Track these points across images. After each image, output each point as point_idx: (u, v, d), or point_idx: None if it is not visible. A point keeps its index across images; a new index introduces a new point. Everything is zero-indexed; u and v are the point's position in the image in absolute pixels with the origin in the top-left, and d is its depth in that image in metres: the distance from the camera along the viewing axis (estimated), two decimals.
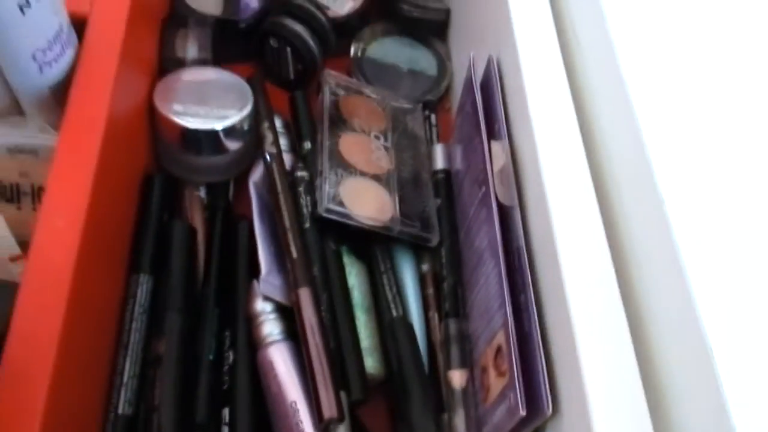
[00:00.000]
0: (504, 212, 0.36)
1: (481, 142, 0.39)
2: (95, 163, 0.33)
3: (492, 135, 0.39)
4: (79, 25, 0.36)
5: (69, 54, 0.35)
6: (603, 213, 0.33)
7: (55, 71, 0.34)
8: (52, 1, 0.32)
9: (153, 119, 0.43)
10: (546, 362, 0.30)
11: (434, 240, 0.43)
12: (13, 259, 0.37)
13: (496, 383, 0.33)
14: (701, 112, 0.34)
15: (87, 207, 0.32)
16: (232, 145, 0.44)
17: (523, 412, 0.29)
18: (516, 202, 0.36)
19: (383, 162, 0.46)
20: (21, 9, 0.30)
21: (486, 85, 0.41)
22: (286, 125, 0.48)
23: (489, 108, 0.40)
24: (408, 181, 0.46)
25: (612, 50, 0.36)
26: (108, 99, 0.35)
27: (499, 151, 0.37)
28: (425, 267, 0.44)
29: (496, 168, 0.37)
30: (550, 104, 0.37)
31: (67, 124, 0.34)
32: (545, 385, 0.29)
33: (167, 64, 0.46)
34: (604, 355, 0.28)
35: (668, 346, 0.30)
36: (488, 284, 0.36)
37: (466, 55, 0.51)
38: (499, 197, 0.37)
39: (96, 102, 0.35)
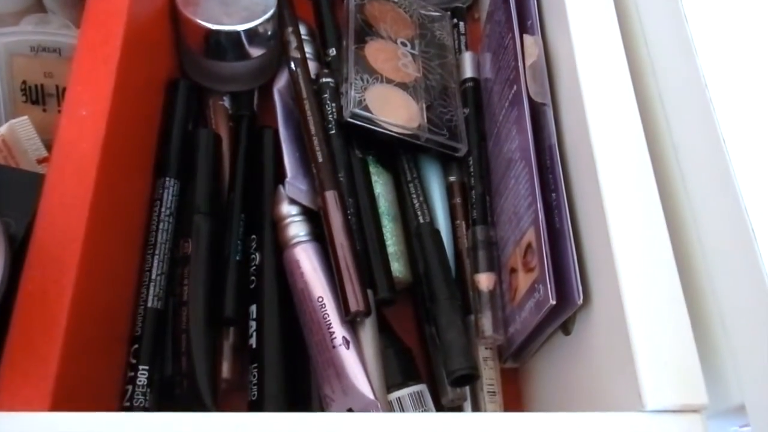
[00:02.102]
0: (535, 110, 0.35)
1: (513, 39, 0.37)
2: (117, 58, 0.33)
3: (524, 31, 0.37)
4: None
5: None
6: (641, 107, 0.32)
7: None
8: None
9: (175, 23, 0.42)
10: (577, 256, 0.30)
11: (462, 149, 0.42)
12: (41, 161, 0.37)
13: (524, 280, 0.33)
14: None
15: (110, 99, 0.31)
16: (256, 50, 0.43)
17: (553, 301, 0.28)
18: (549, 98, 0.34)
19: (410, 69, 0.45)
20: None
21: None
22: (310, 33, 0.47)
23: (521, 4, 0.38)
24: (435, 90, 0.44)
25: None
26: None
27: (531, 46, 0.36)
28: (452, 178, 0.43)
29: (528, 62, 0.35)
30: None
31: (88, 18, 0.33)
32: (576, 275, 0.29)
33: None
34: (638, 245, 0.27)
35: (706, 231, 0.29)
36: (518, 186, 0.35)
37: None
38: (530, 94, 0.35)
39: None
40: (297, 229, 0.36)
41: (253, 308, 0.34)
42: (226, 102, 0.45)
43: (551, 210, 0.32)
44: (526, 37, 0.36)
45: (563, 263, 0.30)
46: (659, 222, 0.28)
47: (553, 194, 0.33)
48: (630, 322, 0.26)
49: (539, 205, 0.32)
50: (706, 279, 0.29)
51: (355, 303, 0.32)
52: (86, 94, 0.31)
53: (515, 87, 0.36)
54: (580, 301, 0.28)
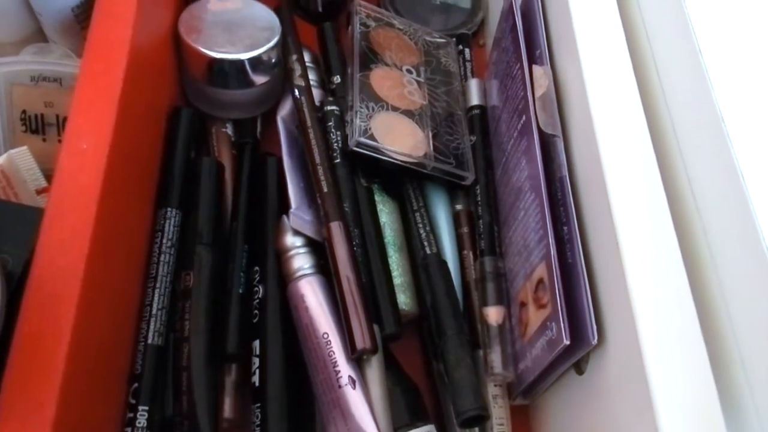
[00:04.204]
0: (545, 141, 0.34)
1: (522, 69, 0.36)
2: (119, 88, 0.32)
3: (533, 60, 0.36)
4: None
5: None
6: (654, 139, 0.31)
7: None
8: None
9: (178, 51, 0.41)
10: (590, 292, 0.29)
11: (469, 177, 0.41)
12: (40, 191, 0.36)
13: (535, 316, 0.32)
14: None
15: (112, 131, 0.30)
16: (259, 78, 0.42)
17: (566, 341, 0.27)
18: (559, 130, 0.34)
19: (416, 97, 0.44)
20: None
21: (526, 13, 0.39)
22: (314, 60, 0.46)
23: (530, 34, 0.38)
24: (441, 118, 0.44)
25: None
26: (131, 23, 0.33)
27: (541, 77, 0.35)
28: (459, 206, 0.42)
29: (537, 93, 0.35)
30: (598, 26, 0.34)
31: (90, 48, 0.33)
32: (590, 313, 0.28)
33: None
34: (654, 282, 0.27)
35: (723, 267, 0.28)
36: (527, 218, 0.34)
37: None
38: (540, 125, 0.35)
39: (119, 26, 0.33)
40: (301, 261, 0.35)
41: (256, 344, 0.33)
42: (229, 129, 0.44)
43: (563, 244, 0.32)
44: (535, 67, 0.35)
45: (576, 300, 0.29)
46: (676, 257, 0.28)
47: (565, 227, 0.32)
48: (647, 363, 0.25)
49: (551, 239, 0.31)
50: (724, 316, 0.28)
51: (361, 340, 0.31)
52: (87, 126, 0.30)
53: (524, 117, 0.36)
54: (595, 341, 0.27)
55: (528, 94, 0.35)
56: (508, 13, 0.40)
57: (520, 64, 0.37)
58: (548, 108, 0.35)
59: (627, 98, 0.32)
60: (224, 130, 0.44)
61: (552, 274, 0.30)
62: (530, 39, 0.37)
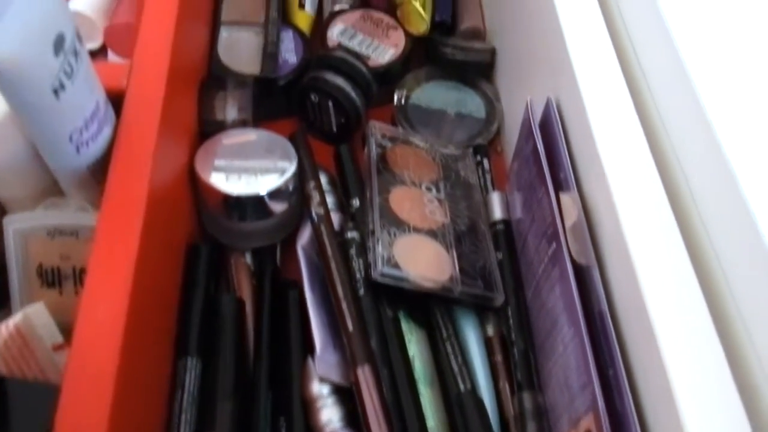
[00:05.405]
0: (579, 271, 0.33)
1: (547, 194, 0.35)
2: (137, 243, 0.31)
3: (558, 186, 0.35)
4: (116, 99, 0.35)
5: (107, 131, 0.33)
6: (696, 267, 0.30)
7: (93, 150, 0.32)
8: (87, 80, 0.30)
9: (195, 185, 0.41)
10: None
11: (499, 300, 0.40)
12: (57, 347, 0.35)
13: None
14: None
15: (130, 293, 0.29)
16: (278, 207, 0.41)
17: None
18: (593, 260, 0.32)
19: (437, 215, 0.43)
20: (55, 93, 0.28)
21: (546, 130, 0.38)
22: (332, 181, 0.46)
23: (552, 155, 0.37)
24: (465, 234, 0.43)
25: (686, 76, 0.33)
26: (148, 174, 0.33)
27: (569, 205, 0.34)
28: (490, 330, 0.40)
29: (567, 224, 0.33)
30: (623, 148, 0.33)
31: (107, 204, 0.32)
32: None
33: (207, 126, 0.44)
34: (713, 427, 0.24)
35: None
36: (567, 355, 0.32)
37: (517, 95, 0.48)
38: (573, 255, 0.33)
39: (136, 178, 0.33)
40: (330, 413, 0.33)
41: None
42: (248, 258, 0.43)
43: (610, 389, 0.29)
44: (562, 196, 0.34)
45: None
46: (734, 402, 0.25)
47: (610, 370, 0.30)
48: None
49: (597, 388, 0.29)
50: None
51: None
52: (104, 292, 0.29)
53: (554, 244, 0.34)
54: None
55: (557, 221, 0.34)
56: (528, 134, 0.39)
57: (546, 189, 0.36)
58: (580, 237, 0.33)
59: (661, 222, 0.31)
60: (243, 260, 0.43)
61: (601, 428, 0.28)
62: (553, 160, 0.36)
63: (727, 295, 0.30)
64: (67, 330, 0.33)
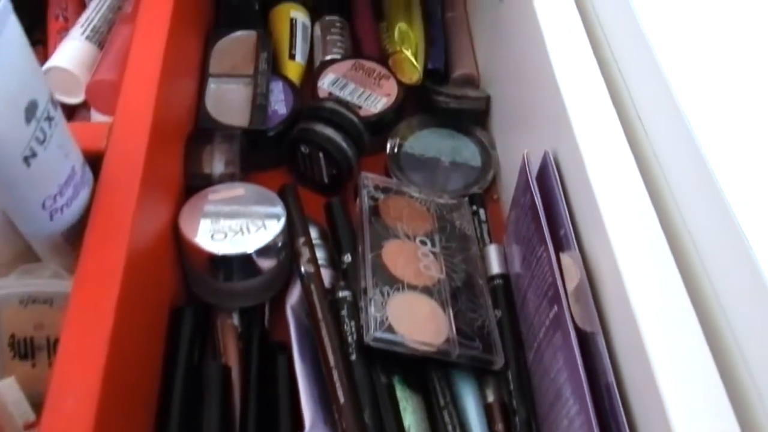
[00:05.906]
0: (583, 338, 0.31)
1: (547, 252, 0.34)
2: (113, 311, 0.29)
3: (558, 244, 0.34)
4: (95, 160, 0.33)
5: (83, 195, 0.31)
6: (707, 334, 0.28)
7: (68, 216, 0.31)
8: (62, 145, 0.29)
9: (179, 243, 0.39)
10: None
11: (498, 363, 0.38)
12: (28, 426, 0.33)
13: None
14: None
15: (104, 367, 0.27)
16: (266, 264, 0.40)
17: None
18: (598, 326, 0.30)
19: (432, 270, 0.41)
20: (26, 161, 0.27)
21: (543, 183, 0.36)
22: (323, 234, 0.44)
23: (551, 211, 0.35)
24: (461, 291, 0.41)
25: (687, 131, 0.31)
26: (126, 236, 0.31)
27: (570, 266, 0.32)
28: (490, 395, 0.38)
29: (569, 287, 0.32)
30: (625, 205, 0.32)
31: (80, 270, 0.30)
32: None
33: (194, 180, 0.43)
34: None
35: None
36: (572, 431, 0.30)
37: (513, 142, 0.46)
38: (576, 320, 0.31)
39: (112, 242, 0.31)
40: None
41: None
42: (235, 319, 0.41)
43: None
44: (563, 257, 0.32)
45: None
46: None
47: None
48: None
49: None
50: None
51: None
52: (74, 379, 0.27)
53: (556, 308, 0.33)
54: None
55: (557, 282, 0.32)
56: (525, 187, 0.37)
57: (545, 247, 0.34)
58: (583, 301, 0.31)
59: (669, 284, 0.29)
60: (230, 321, 0.41)
61: None
62: (551, 215, 0.35)
63: (741, 365, 0.29)
64: (40, 404, 0.31)
